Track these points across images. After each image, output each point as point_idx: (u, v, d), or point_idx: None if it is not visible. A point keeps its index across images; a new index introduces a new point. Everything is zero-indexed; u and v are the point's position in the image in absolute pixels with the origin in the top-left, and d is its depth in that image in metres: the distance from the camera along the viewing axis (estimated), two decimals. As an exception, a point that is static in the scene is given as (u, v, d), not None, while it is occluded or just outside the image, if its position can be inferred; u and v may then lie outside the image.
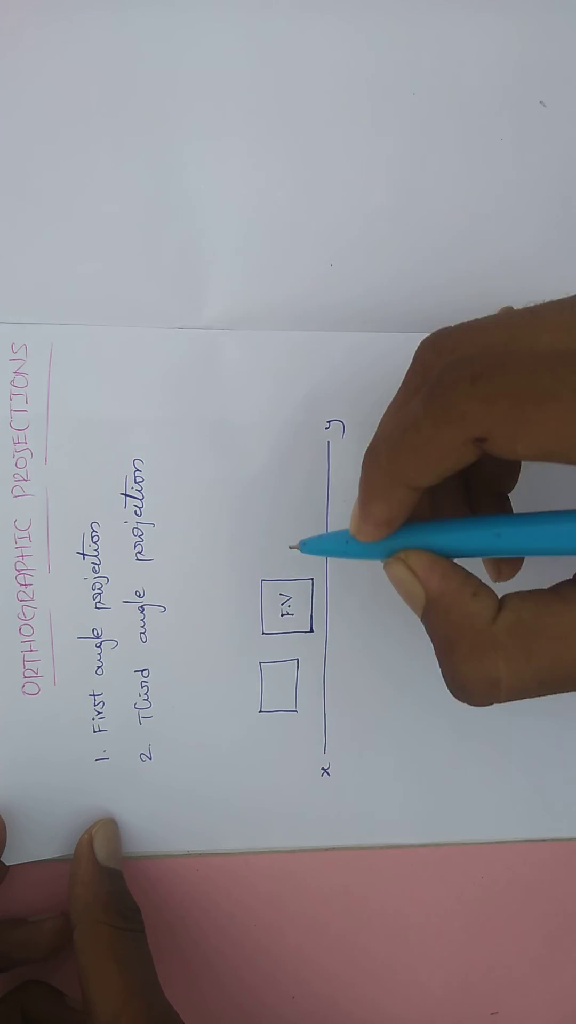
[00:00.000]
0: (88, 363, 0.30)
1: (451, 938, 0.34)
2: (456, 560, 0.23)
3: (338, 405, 0.31)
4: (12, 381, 0.30)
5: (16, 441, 0.30)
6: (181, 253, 0.30)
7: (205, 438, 0.31)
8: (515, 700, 0.21)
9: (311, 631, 0.32)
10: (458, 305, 0.31)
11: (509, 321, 0.20)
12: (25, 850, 0.32)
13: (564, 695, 0.33)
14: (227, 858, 0.33)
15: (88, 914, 0.29)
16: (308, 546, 0.26)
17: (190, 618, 0.32)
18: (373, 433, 0.24)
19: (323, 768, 0.33)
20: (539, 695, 0.21)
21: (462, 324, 0.22)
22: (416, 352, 0.23)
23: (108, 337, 0.30)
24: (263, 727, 0.32)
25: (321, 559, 0.32)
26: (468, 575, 0.22)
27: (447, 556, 0.23)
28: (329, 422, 0.31)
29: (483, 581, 0.23)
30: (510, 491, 0.28)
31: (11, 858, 0.32)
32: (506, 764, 0.33)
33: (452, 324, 0.22)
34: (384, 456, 0.22)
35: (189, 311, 0.30)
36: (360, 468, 0.23)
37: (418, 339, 0.29)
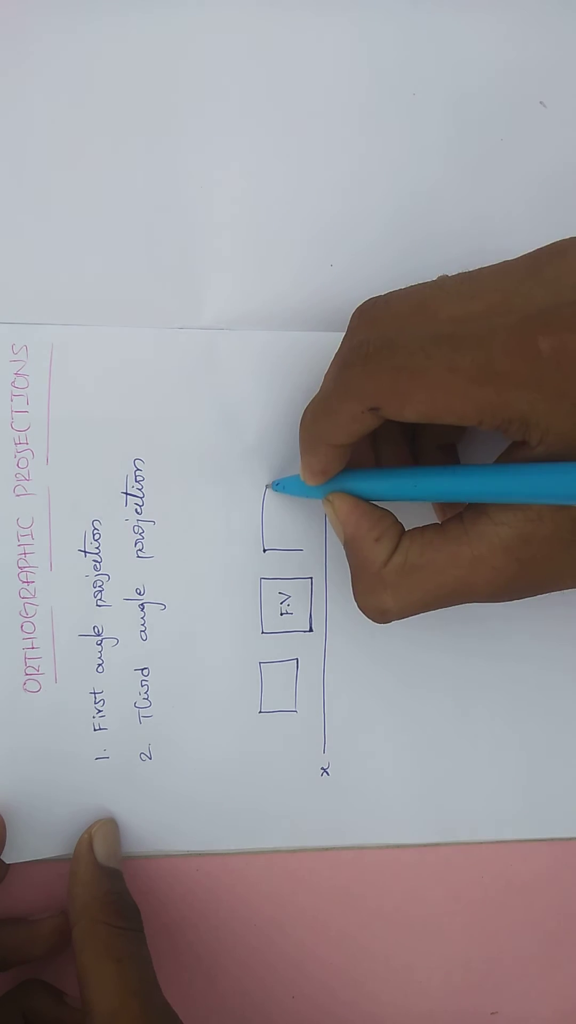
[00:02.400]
0: (88, 363, 0.30)
1: (451, 938, 0.34)
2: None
3: (338, 405, 0.31)
4: (13, 383, 0.30)
5: (17, 442, 0.30)
6: (181, 253, 0.30)
7: (205, 438, 0.31)
8: (404, 618, 0.26)
9: (310, 630, 0.32)
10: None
11: (420, 294, 0.23)
12: (25, 849, 0.32)
13: (564, 697, 0.34)
14: (227, 858, 0.33)
15: (87, 913, 0.29)
16: (279, 486, 0.31)
17: (190, 616, 0.32)
18: None
19: (323, 768, 0.33)
20: (424, 612, 0.26)
21: (389, 293, 0.24)
22: (350, 318, 0.25)
23: (108, 337, 0.30)
24: (263, 727, 0.32)
25: (321, 560, 0.32)
26: (379, 520, 0.26)
27: (374, 499, 0.27)
28: (329, 421, 0.31)
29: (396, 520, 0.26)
30: (456, 442, 0.30)
31: (11, 856, 0.32)
32: (506, 764, 0.33)
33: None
34: (309, 420, 0.26)
35: (189, 311, 0.31)
36: None
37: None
